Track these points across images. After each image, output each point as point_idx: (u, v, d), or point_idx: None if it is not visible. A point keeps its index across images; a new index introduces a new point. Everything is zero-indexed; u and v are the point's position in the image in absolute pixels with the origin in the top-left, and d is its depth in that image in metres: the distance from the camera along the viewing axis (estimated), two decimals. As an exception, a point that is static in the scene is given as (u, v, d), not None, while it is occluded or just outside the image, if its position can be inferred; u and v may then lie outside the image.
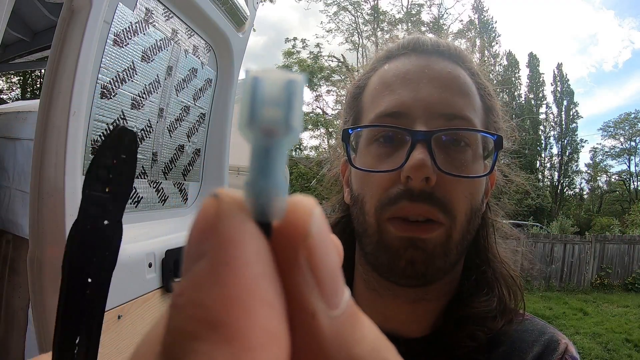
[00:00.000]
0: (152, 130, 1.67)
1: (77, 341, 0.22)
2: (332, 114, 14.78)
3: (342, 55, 14.89)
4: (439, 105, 0.50)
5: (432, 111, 0.49)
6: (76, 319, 0.22)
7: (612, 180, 31.99)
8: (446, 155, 0.49)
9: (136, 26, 1.48)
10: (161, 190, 1.80)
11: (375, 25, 14.60)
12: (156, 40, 1.61)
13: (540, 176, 32.94)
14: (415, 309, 0.52)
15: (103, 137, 0.26)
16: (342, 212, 0.60)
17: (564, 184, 33.09)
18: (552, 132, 34.23)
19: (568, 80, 34.86)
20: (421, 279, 0.48)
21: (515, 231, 0.63)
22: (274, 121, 0.15)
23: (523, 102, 34.10)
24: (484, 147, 0.53)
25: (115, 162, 0.23)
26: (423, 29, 14.30)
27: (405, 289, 0.50)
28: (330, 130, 14.10)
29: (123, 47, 1.43)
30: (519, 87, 34.02)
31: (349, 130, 0.54)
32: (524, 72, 35.48)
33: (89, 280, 0.23)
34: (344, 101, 0.63)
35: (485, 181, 0.54)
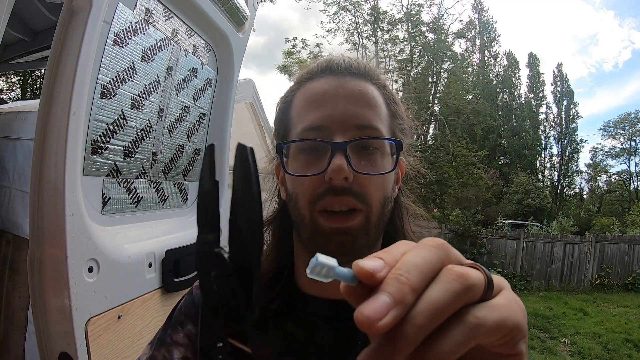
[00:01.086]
0: (152, 130, 1.67)
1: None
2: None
3: (342, 55, 14.86)
4: (351, 118, 0.63)
5: (347, 124, 0.63)
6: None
7: (612, 180, 31.97)
8: (359, 159, 0.63)
9: (136, 26, 1.48)
10: (161, 190, 1.80)
11: (375, 25, 14.58)
12: (156, 40, 1.61)
13: (540, 176, 32.91)
14: None
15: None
16: (280, 205, 0.75)
17: (564, 184, 33.07)
18: (552, 132, 34.23)
19: (568, 80, 34.85)
20: (349, 256, 0.58)
21: (421, 210, 0.77)
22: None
23: (523, 102, 34.08)
24: (391, 147, 0.67)
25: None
26: (423, 29, 14.27)
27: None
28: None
29: (123, 47, 1.43)
30: (519, 87, 34.02)
31: (282, 144, 0.68)
32: (524, 72, 35.47)
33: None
34: (275, 112, 0.78)
35: (393, 173, 0.68)
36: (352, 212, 0.61)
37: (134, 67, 1.50)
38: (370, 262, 0.29)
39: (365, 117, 0.64)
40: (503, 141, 31.98)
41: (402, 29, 14.49)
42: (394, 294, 0.27)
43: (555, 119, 34.12)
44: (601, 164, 32.42)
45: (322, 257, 0.29)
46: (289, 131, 0.69)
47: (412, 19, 14.32)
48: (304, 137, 0.65)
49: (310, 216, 0.63)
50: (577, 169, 33.52)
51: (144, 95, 1.58)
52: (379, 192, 0.64)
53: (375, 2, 14.50)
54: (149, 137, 1.66)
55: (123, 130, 1.50)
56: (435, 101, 14.14)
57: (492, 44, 32.13)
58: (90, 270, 1.23)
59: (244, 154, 0.31)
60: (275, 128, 0.76)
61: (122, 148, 1.51)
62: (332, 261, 0.29)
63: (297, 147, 0.66)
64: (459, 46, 14.67)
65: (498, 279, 0.32)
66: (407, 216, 0.74)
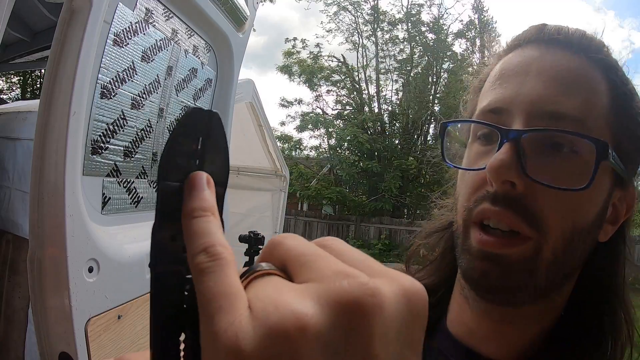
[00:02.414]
0: (152, 130, 1.67)
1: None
2: (332, 114, 14.76)
3: (342, 55, 14.85)
4: (543, 101, 0.43)
5: (535, 108, 0.43)
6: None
7: (612, 180, 31.92)
8: (542, 160, 0.42)
9: (136, 26, 1.48)
10: (161, 190, 1.80)
11: (375, 25, 14.59)
12: (156, 40, 1.61)
13: (540, 176, 32.88)
14: (499, 329, 0.48)
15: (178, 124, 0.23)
16: None
17: (564, 184, 33.04)
18: (552, 132, 34.21)
19: (568, 80, 34.82)
20: (499, 295, 0.44)
21: None
22: None
23: (523, 102, 34.06)
24: (590, 151, 0.43)
25: (197, 147, 0.23)
26: (423, 29, 14.28)
27: (491, 305, 0.46)
28: (330, 130, 14.08)
29: (123, 47, 1.43)
30: (519, 87, 33.98)
31: (445, 124, 0.51)
32: (524, 72, 35.40)
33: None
34: (467, 94, 0.59)
35: (600, 200, 0.45)
36: (515, 235, 0.42)
37: (134, 67, 1.50)
38: None
39: (566, 103, 0.43)
40: (503, 141, 31.92)
41: (402, 29, 14.50)
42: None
43: (555, 119, 34.08)
44: (601, 164, 32.39)
45: None
46: (472, 115, 0.52)
47: (412, 19, 14.32)
48: (479, 119, 0.48)
49: (463, 227, 0.47)
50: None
51: (144, 95, 1.58)
52: (566, 217, 0.43)
53: (375, 2, 14.52)
54: (149, 137, 1.66)
55: (123, 130, 1.50)
56: (435, 101, 14.15)
57: (492, 44, 32.15)
58: (90, 270, 1.23)
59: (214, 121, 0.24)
60: (463, 114, 0.58)
61: (122, 148, 1.51)
62: None
63: (472, 134, 0.50)
64: (459, 46, 14.64)
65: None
66: (625, 277, 0.49)
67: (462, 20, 14.42)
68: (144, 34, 1.53)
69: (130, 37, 1.46)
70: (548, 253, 0.42)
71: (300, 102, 14.83)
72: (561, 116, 0.43)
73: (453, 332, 0.51)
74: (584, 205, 0.44)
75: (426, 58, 14.32)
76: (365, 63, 14.80)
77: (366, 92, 14.77)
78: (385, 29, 14.69)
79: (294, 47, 14.72)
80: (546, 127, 0.42)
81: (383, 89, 14.70)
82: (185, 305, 0.21)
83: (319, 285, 0.18)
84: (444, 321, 0.52)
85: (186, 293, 0.21)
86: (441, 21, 14.43)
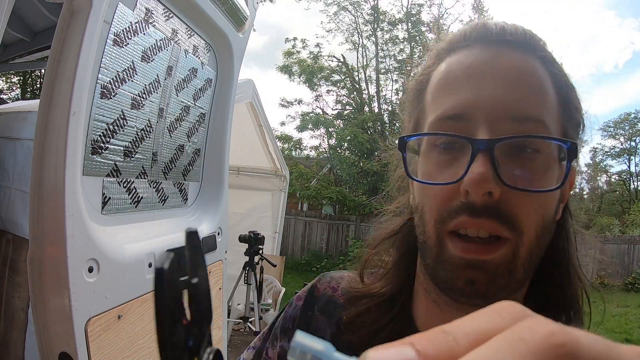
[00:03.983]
0: (152, 130, 1.67)
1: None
2: (332, 114, 14.75)
3: (342, 55, 14.84)
4: (506, 105, 0.44)
5: (498, 113, 0.44)
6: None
7: (612, 180, 31.96)
8: (512, 165, 0.44)
9: (136, 26, 1.48)
10: (161, 190, 1.80)
11: (375, 25, 14.58)
12: (156, 40, 1.61)
13: (540, 176, 32.85)
14: None
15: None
16: (409, 214, 0.56)
17: (564, 184, 33.00)
18: (552, 132, 34.18)
19: (568, 80, 34.79)
20: (482, 299, 0.43)
21: (596, 240, 0.56)
22: None
23: (523, 102, 34.02)
24: (560, 151, 0.46)
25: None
26: (423, 29, 14.27)
27: (465, 306, 0.46)
28: (330, 130, 14.07)
29: (123, 47, 1.43)
30: (519, 87, 33.94)
31: (406, 138, 0.49)
32: (524, 72, 35.37)
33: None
34: (405, 99, 0.57)
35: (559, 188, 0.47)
36: (495, 240, 0.44)
37: (134, 67, 1.50)
38: (393, 355, 0.16)
39: (526, 106, 0.44)
40: (503, 141, 31.88)
41: (402, 29, 14.49)
42: None
43: (555, 119, 34.05)
44: (601, 164, 32.42)
45: (302, 337, 0.18)
46: (422, 121, 0.51)
47: (412, 19, 14.32)
48: (437, 128, 0.47)
49: (437, 238, 0.46)
50: (577, 169, 33.44)
51: (144, 95, 1.58)
52: (538, 216, 0.45)
53: (375, 2, 14.50)
54: (149, 137, 1.66)
55: (123, 130, 1.50)
56: (435, 101, 14.14)
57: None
58: (90, 270, 1.23)
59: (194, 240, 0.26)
60: (405, 119, 0.57)
61: (122, 148, 1.51)
62: (319, 344, 0.18)
63: (429, 143, 0.48)
64: (459, 46, 14.60)
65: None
66: (576, 249, 0.53)
67: (462, 20, 14.41)
68: (144, 34, 1.53)
69: (130, 37, 1.46)
70: (525, 251, 0.44)
71: (300, 102, 14.83)
72: (524, 119, 0.44)
73: (418, 325, 0.53)
74: (550, 200, 0.46)
75: (426, 58, 14.29)
76: (365, 63, 14.78)
77: (366, 92, 14.76)
78: (385, 29, 14.68)
79: (294, 47, 14.71)
80: (517, 135, 0.43)
81: (383, 89, 14.69)
82: None
83: None
84: (414, 327, 0.53)
85: None
86: (441, 21, 14.41)
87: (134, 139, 1.57)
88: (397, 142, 0.51)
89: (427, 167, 0.48)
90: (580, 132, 0.52)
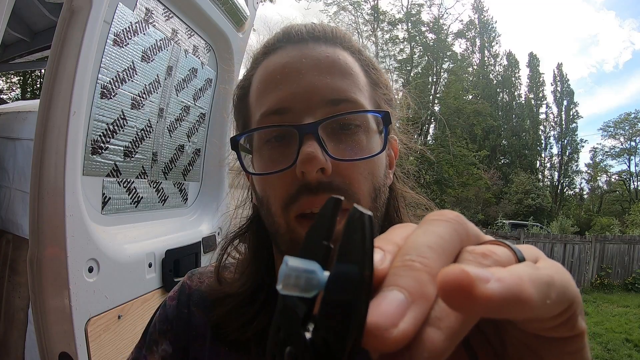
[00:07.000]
0: (152, 130, 1.67)
1: None
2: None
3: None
4: (321, 92, 0.49)
5: (315, 100, 0.49)
6: None
7: (612, 180, 31.97)
8: (337, 142, 0.49)
9: (136, 26, 1.48)
10: (161, 190, 1.80)
11: (375, 25, 14.59)
12: (156, 40, 1.61)
13: (540, 176, 32.92)
14: None
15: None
16: (254, 211, 0.62)
17: (564, 184, 33.07)
18: (552, 132, 34.24)
19: (568, 80, 34.85)
20: None
21: (422, 198, 0.62)
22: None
23: (523, 102, 34.08)
24: (377, 121, 0.52)
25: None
26: (423, 29, 14.27)
27: None
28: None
29: (123, 47, 1.43)
30: (519, 87, 34.01)
31: (237, 137, 0.53)
32: (524, 72, 35.50)
33: None
34: (231, 106, 0.63)
35: (384, 155, 0.54)
36: None
37: (134, 67, 1.50)
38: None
39: (339, 89, 0.50)
40: (503, 141, 31.98)
41: (402, 29, 14.50)
42: (408, 287, 0.19)
43: (555, 119, 34.15)
44: (601, 164, 32.43)
45: (293, 261, 0.20)
46: (249, 121, 0.56)
47: (412, 19, 14.32)
48: (263, 124, 0.51)
49: (286, 224, 0.50)
50: (577, 169, 33.55)
51: (144, 95, 1.58)
52: (368, 181, 0.50)
53: (375, 2, 14.51)
54: (149, 137, 1.66)
55: (123, 130, 1.50)
56: (435, 101, 14.14)
57: (492, 44, 32.14)
58: (90, 270, 1.23)
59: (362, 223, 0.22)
60: (234, 124, 0.62)
61: (122, 148, 1.51)
62: (309, 264, 0.20)
63: (259, 140, 0.52)
64: (459, 46, 14.66)
65: (529, 250, 0.24)
66: (405, 206, 0.61)
67: (462, 20, 14.43)
68: (144, 34, 1.53)
69: (130, 37, 1.46)
70: None
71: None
72: (339, 100, 0.50)
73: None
74: (378, 165, 0.52)
75: (426, 58, 14.32)
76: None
77: (366, 92, 14.74)
78: (385, 29, 14.69)
79: (294, 47, 14.71)
80: (335, 114, 0.49)
81: (383, 89, 14.68)
82: None
83: None
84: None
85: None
86: (441, 21, 14.41)
87: (134, 139, 1.57)
88: (229, 143, 0.55)
89: (262, 160, 0.52)
90: (393, 107, 0.60)
